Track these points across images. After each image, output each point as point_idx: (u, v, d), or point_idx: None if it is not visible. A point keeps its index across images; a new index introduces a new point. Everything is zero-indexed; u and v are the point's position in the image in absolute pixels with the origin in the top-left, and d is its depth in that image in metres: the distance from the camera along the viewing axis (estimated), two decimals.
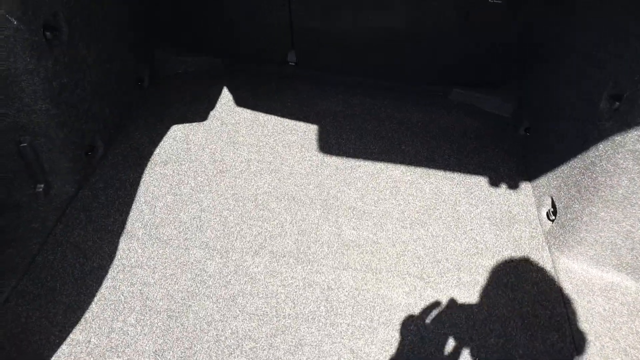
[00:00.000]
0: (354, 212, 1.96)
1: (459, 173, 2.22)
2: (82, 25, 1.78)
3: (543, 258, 1.90)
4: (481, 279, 1.81)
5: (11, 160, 1.60)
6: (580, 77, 1.93)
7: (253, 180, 2.03)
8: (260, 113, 2.40)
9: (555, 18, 2.13)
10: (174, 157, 2.07)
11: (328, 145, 2.27)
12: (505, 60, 2.42)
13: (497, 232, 1.98)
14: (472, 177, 2.20)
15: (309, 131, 2.34)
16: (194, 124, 2.27)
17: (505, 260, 1.88)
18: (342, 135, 2.34)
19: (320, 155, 2.21)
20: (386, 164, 2.21)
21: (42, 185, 1.67)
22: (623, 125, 1.60)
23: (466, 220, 2.01)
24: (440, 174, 2.20)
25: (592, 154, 1.76)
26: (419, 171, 2.20)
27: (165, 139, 2.15)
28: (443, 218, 2.00)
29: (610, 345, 1.64)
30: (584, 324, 1.70)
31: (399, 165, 2.22)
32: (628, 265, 1.79)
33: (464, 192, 2.13)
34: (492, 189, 2.17)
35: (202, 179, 2.00)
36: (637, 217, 1.67)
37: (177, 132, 2.21)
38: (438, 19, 2.25)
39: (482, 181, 2.19)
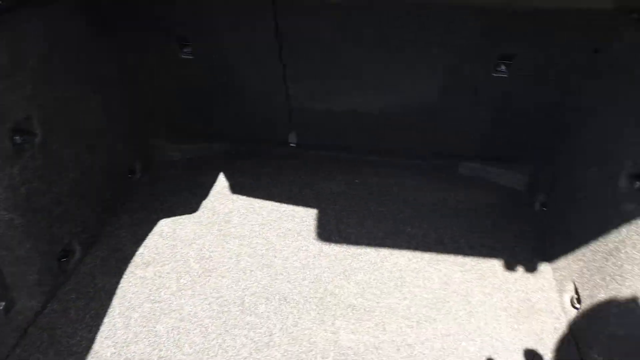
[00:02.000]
0: (354, 312, 1.77)
1: (471, 257, 2.02)
2: (60, 125, 1.73)
3: (569, 354, 1.65)
4: None
5: None
6: (597, 153, 1.76)
7: (241, 280, 1.87)
8: (257, 199, 2.29)
9: (573, 93, 2.00)
10: (157, 257, 1.94)
11: (327, 231, 2.12)
12: (518, 132, 2.27)
13: (515, 325, 1.75)
14: (485, 261, 2.00)
15: (307, 217, 2.20)
16: (183, 216, 2.16)
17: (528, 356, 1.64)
18: (342, 220, 2.19)
19: (318, 244, 2.05)
20: (390, 250, 2.04)
21: (3, 303, 1.53)
22: None
23: (480, 313, 1.78)
24: (450, 259, 2.01)
25: (615, 238, 1.55)
26: (427, 257, 2.01)
27: (150, 236, 2.04)
28: (454, 312, 1.79)
29: None
30: None
31: (404, 251, 2.04)
32: None
33: (476, 279, 1.92)
34: (507, 274, 1.95)
35: (185, 281, 1.85)
36: None
37: (165, 228, 2.09)
38: (446, 94, 2.15)
39: (496, 265, 1.99)
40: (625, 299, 1.52)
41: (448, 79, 2.07)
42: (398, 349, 1.65)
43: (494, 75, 2.01)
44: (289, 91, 2.25)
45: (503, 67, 1.99)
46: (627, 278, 1.50)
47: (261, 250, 2.01)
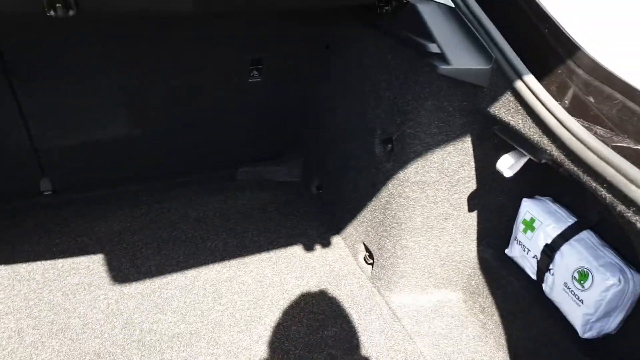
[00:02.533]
0: (180, 339, 1.66)
1: (274, 250, 2.12)
2: None
3: (378, 303, 1.91)
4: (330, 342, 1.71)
5: None
6: (352, 128, 2.06)
7: (34, 356, 1.54)
8: (21, 264, 1.91)
9: (321, 85, 2.25)
10: None
11: (122, 272, 1.92)
12: (283, 129, 2.47)
13: (330, 294, 1.93)
14: (287, 250, 2.13)
15: (94, 264, 1.95)
16: None
17: (346, 322, 1.82)
18: (136, 255, 2.01)
19: (117, 288, 1.84)
20: (197, 268, 1.98)
21: None
22: (401, 163, 1.74)
23: (297, 296, 1.90)
24: (256, 258, 2.07)
25: (385, 194, 1.86)
26: (235, 263, 2.03)
27: None
28: (275, 303, 1.86)
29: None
30: (432, 348, 1.73)
31: (211, 265, 2.00)
32: (442, 279, 1.92)
33: (285, 268, 2.03)
34: (309, 254, 2.13)
35: None
36: (437, 236, 1.82)
37: None
38: (210, 106, 2.16)
39: (297, 250, 2.14)
40: (405, 240, 1.84)
41: (210, 92, 2.11)
42: (236, 356, 1.63)
43: (250, 81, 2.14)
44: (31, 131, 1.94)
45: (255, 72, 2.12)
46: (402, 222, 1.82)
47: (47, 316, 1.70)
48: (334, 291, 1.94)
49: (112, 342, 1.62)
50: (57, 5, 1.21)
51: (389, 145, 1.80)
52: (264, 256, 2.08)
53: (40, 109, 1.87)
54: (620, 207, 1.07)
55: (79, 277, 1.88)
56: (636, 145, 1.10)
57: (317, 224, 2.29)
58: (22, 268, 1.89)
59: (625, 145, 1.12)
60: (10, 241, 2.01)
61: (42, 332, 1.64)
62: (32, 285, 1.82)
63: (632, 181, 1.04)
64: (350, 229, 2.14)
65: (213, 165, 2.51)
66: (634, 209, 1.03)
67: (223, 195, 2.43)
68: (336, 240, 2.21)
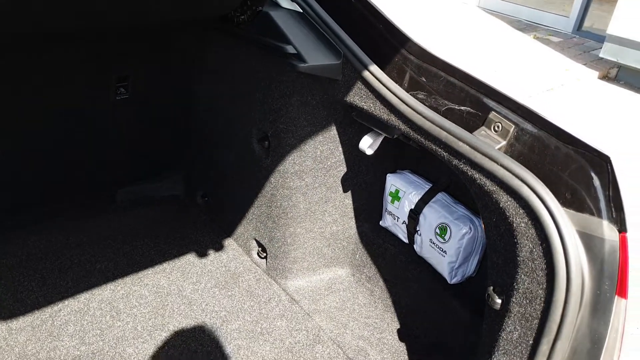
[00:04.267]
0: None
1: (167, 261, 2.14)
2: None
3: (276, 292, 2.04)
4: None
5: None
6: (229, 134, 2.16)
7: None
8: None
9: (193, 98, 2.31)
10: None
11: (6, 310, 1.80)
12: (159, 145, 2.46)
13: (229, 292, 2.01)
14: (181, 259, 2.17)
15: None
16: None
17: (251, 320, 1.92)
18: (18, 290, 1.89)
19: (3, 325, 1.73)
20: (90, 290, 1.93)
21: None
22: (278, 157, 1.90)
23: (198, 299, 1.96)
24: (150, 271, 2.07)
25: (268, 188, 2.00)
26: (129, 280, 2.01)
27: None
28: (179, 312, 1.89)
29: (350, 333, 1.92)
30: (330, 322, 1.91)
31: (104, 285, 1.97)
32: (331, 258, 2.12)
33: (181, 276, 2.07)
34: (204, 260, 2.18)
35: None
36: (319, 219, 2.00)
37: None
38: (79, 128, 2.10)
39: (191, 258, 2.18)
40: (292, 227, 2.00)
41: (77, 113, 2.06)
42: None
43: (118, 98, 2.13)
44: None
45: (122, 90, 2.11)
46: (288, 211, 1.97)
47: None
48: (232, 289, 2.03)
49: None
50: None
51: (266, 143, 1.95)
52: (158, 268, 2.09)
53: None
54: (455, 162, 1.33)
55: None
56: (459, 107, 1.38)
57: (208, 231, 2.36)
58: None
59: (451, 108, 1.40)
60: None
61: None
62: None
63: (459, 138, 1.30)
64: (240, 229, 2.24)
65: (90, 187, 2.43)
66: (464, 160, 1.30)
67: (104, 218, 2.37)
68: (228, 242, 2.29)
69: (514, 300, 1.18)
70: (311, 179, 1.91)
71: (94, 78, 1.99)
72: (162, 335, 1.77)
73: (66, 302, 1.86)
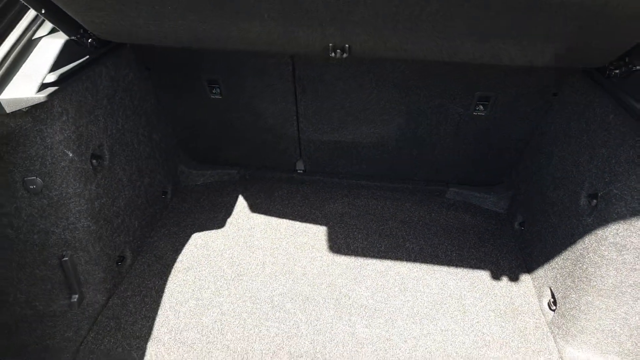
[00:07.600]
0: (366, 310, 2.08)
1: (462, 268, 2.36)
2: (120, 151, 2.05)
3: (549, 348, 1.98)
4: None
5: (53, 273, 1.77)
6: (562, 176, 2.15)
7: (269, 282, 2.17)
8: (273, 217, 2.61)
9: (540, 128, 2.40)
10: (195, 264, 2.24)
11: (337, 245, 2.44)
12: (497, 161, 2.67)
13: (503, 324, 2.07)
14: (474, 272, 2.34)
15: (319, 233, 2.52)
16: (212, 231, 2.46)
17: (513, 352, 1.96)
18: (349, 235, 2.51)
19: (331, 255, 2.37)
20: (393, 261, 2.36)
21: (77, 296, 1.82)
22: (602, 220, 1.78)
23: (472, 313, 2.11)
24: (444, 269, 2.34)
25: (580, 246, 1.91)
26: (425, 267, 2.34)
27: (186, 246, 2.34)
28: (450, 312, 2.11)
29: None
30: None
31: (405, 262, 2.36)
32: (630, 351, 1.86)
33: (467, 286, 2.25)
34: (494, 282, 2.29)
35: (221, 284, 2.14)
36: (629, 304, 1.79)
37: (198, 240, 2.39)
38: (434, 129, 2.53)
39: (483, 275, 2.33)
40: (591, 297, 1.87)
41: (435, 117, 2.46)
42: (405, 341, 1.96)
43: (475, 113, 2.41)
44: (300, 125, 2.62)
45: (481, 107, 2.38)
46: (591, 279, 1.85)
47: (282, 259, 2.32)
48: (507, 322, 2.08)
49: (318, 294, 2.14)
50: (338, 50, 1.74)
51: (594, 201, 1.84)
52: (451, 270, 2.33)
53: (308, 113, 2.52)
54: None
55: (306, 239, 2.47)
56: None
57: (511, 258, 2.42)
58: (274, 221, 2.58)
59: None
60: (268, 200, 2.74)
61: (277, 268, 2.27)
62: (276, 234, 2.48)
63: None
64: (540, 271, 2.22)
65: (428, 179, 2.85)
66: None
67: (430, 207, 2.76)
68: (524, 277, 2.31)
69: None
70: (633, 257, 1.72)
71: (461, 95, 2.32)
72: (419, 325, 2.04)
73: (373, 260, 2.35)
